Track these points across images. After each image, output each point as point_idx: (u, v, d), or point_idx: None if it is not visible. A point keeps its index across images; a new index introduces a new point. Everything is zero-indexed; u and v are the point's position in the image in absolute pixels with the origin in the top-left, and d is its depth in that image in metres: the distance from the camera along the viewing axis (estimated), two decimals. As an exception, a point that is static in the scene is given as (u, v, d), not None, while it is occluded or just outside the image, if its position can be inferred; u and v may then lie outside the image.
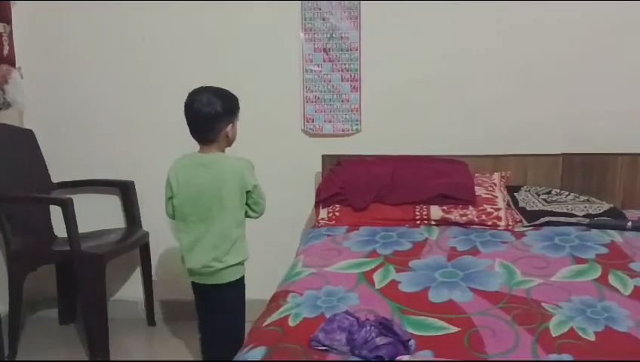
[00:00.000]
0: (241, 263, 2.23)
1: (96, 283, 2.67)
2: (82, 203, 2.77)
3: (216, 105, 2.11)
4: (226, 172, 2.16)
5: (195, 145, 2.22)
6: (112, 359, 2.68)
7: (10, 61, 2.94)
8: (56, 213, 2.77)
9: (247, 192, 2.19)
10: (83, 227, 2.66)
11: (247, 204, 2.22)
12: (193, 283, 2.27)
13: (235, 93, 2.22)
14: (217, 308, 2.23)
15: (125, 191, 3.08)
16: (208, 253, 2.16)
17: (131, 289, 3.18)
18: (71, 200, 2.62)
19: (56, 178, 3.05)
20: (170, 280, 3.13)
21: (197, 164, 2.18)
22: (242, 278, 2.25)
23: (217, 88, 2.18)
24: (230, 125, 2.18)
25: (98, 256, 2.66)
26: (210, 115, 2.11)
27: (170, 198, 2.23)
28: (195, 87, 2.17)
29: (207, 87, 2.17)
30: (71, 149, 3.11)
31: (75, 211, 2.62)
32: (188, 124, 2.17)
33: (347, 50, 2.88)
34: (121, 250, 2.85)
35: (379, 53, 2.87)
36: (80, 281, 2.67)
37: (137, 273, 3.15)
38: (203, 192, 2.14)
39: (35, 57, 3.02)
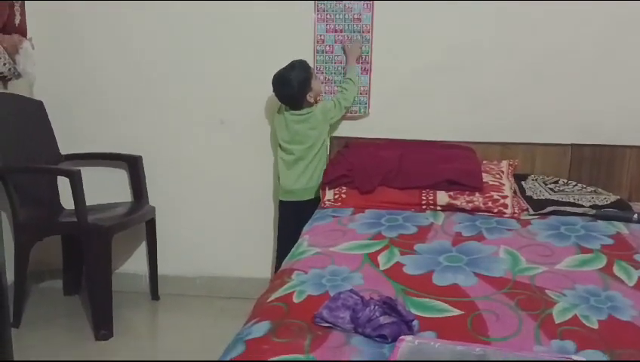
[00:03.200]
0: None
1: (102, 256, 2.69)
2: (90, 176, 2.78)
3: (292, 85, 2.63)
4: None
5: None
6: (115, 331, 2.70)
7: (22, 31, 2.92)
8: (63, 184, 2.79)
9: None
10: (90, 200, 2.68)
11: None
12: None
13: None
14: None
15: (133, 165, 3.09)
16: None
17: (136, 263, 3.20)
18: (79, 171, 2.62)
19: (64, 150, 3.06)
20: (174, 255, 3.15)
21: None
22: None
23: (286, 70, 2.64)
24: (310, 91, 2.68)
25: (105, 228, 2.67)
26: (292, 94, 2.66)
27: None
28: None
29: (280, 72, 2.64)
30: (80, 122, 3.11)
31: (83, 183, 2.62)
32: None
33: (359, 32, 2.86)
34: (127, 224, 2.86)
35: (391, 36, 2.84)
36: (86, 253, 2.69)
37: (142, 247, 3.17)
38: None
39: (46, 28, 3.00)
